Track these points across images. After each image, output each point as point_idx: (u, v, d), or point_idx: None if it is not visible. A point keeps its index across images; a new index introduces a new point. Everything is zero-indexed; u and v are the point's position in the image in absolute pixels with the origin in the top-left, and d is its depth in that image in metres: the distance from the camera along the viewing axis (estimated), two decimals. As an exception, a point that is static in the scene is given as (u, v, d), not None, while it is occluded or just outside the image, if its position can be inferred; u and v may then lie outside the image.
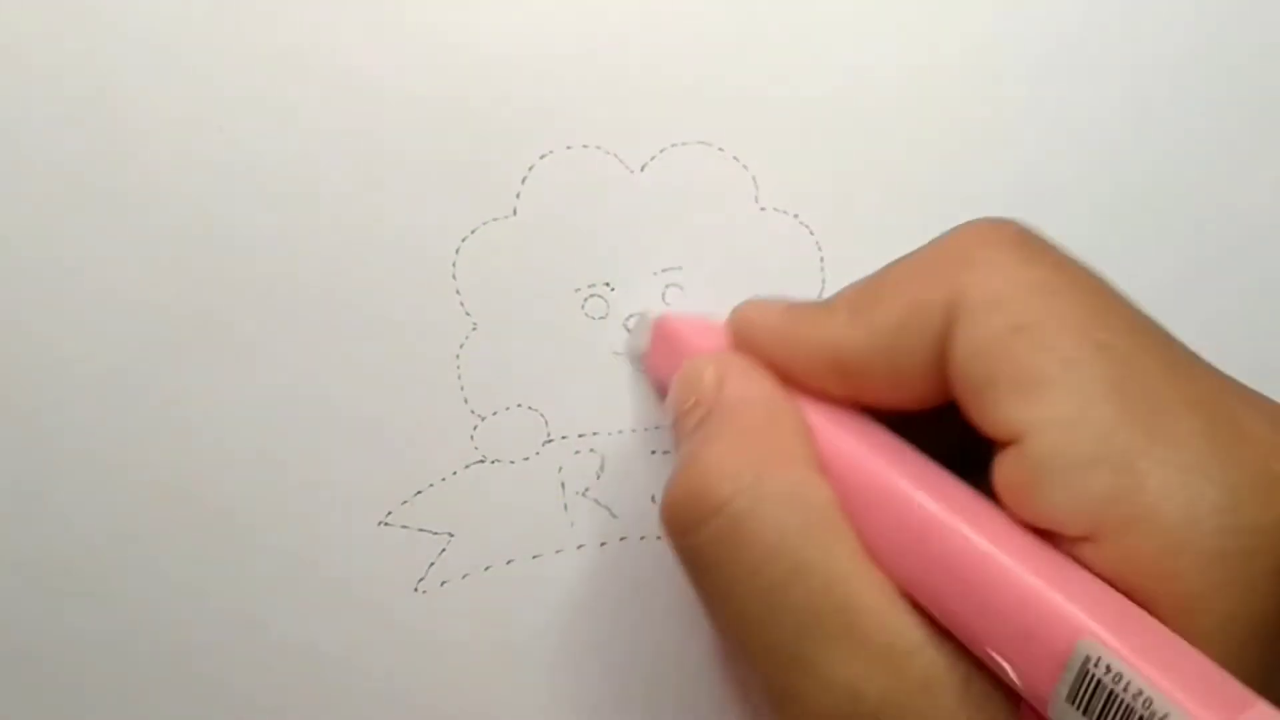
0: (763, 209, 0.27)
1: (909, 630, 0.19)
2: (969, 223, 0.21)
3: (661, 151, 0.27)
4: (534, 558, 0.27)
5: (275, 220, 0.26)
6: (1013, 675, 0.17)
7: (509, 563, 0.27)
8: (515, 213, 0.27)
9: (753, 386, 0.22)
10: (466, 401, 0.27)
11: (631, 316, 0.27)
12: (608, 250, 0.27)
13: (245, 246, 0.26)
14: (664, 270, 0.27)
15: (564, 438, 0.27)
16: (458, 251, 0.27)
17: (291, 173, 0.26)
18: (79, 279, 0.26)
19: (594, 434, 0.27)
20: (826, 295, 0.27)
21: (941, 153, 0.28)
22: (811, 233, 0.27)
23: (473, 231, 0.27)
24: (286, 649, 0.27)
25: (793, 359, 0.22)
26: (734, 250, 0.27)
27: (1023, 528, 0.18)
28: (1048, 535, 0.18)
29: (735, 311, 0.24)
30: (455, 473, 0.27)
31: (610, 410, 0.27)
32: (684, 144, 0.27)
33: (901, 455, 0.20)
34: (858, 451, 0.20)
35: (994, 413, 0.19)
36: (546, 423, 0.27)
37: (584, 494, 0.27)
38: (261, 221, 0.26)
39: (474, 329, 0.27)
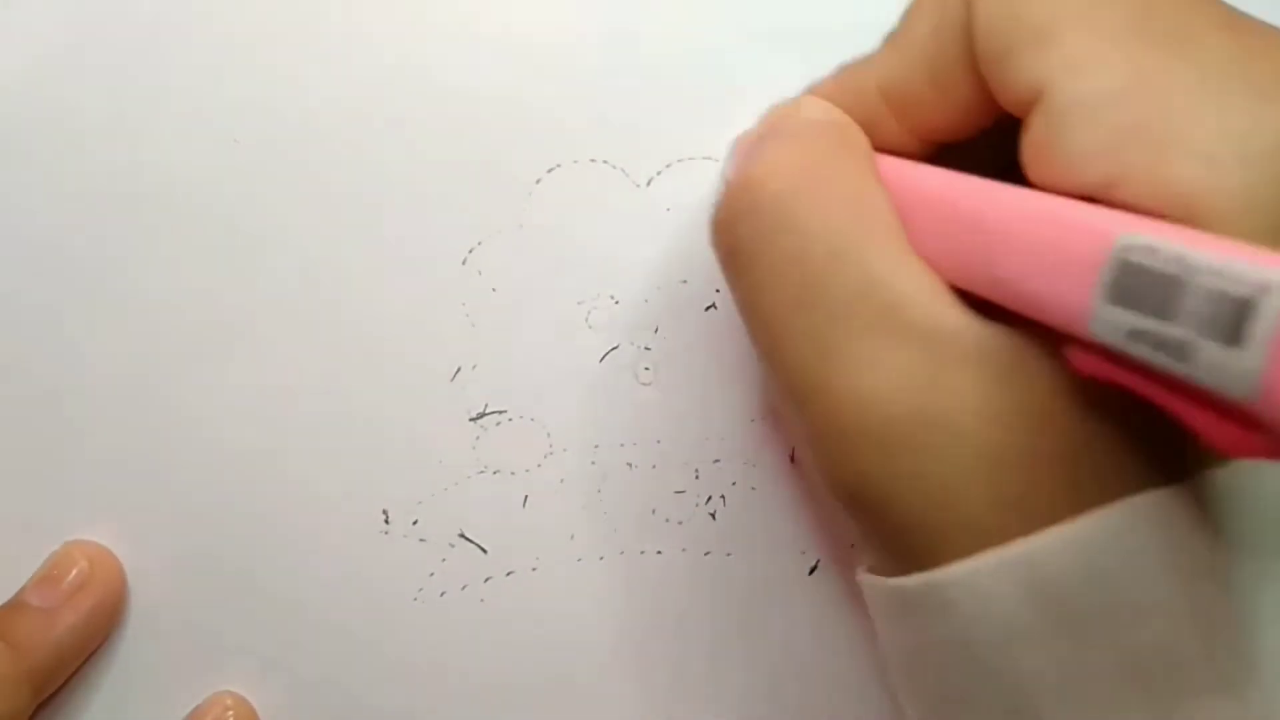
0: (768, 225, 0.27)
1: (952, 316, 0.18)
2: None
3: (667, 166, 0.27)
4: (533, 570, 0.27)
5: (282, 230, 0.27)
6: (1051, 306, 0.17)
7: (508, 574, 0.27)
8: (521, 225, 0.27)
9: (829, 113, 0.22)
10: (469, 413, 0.27)
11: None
12: (612, 264, 0.27)
13: (251, 256, 0.27)
14: (668, 285, 0.27)
15: (565, 450, 0.27)
16: (464, 263, 0.27)
17: (300, 183, 0.27)
18: (88, 282, 0.27)
19: (596, 447, 0.27)
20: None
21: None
22: (816, 249, 0.27)
23: (479, 243, 0.27)
24: (285, 654, 0.27)
25: (852, 108, 0.22)
26: (738, 265, 0.27)
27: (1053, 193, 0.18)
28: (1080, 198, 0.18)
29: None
30: (457, 484, 0.27)
31: (613, 423, 0.27)
32: (689, 159, 0.27)
33: (954, 173, 0.20)
34: (914, 170, 0.20)
35: (1015, 76, 0.18)
36: (549, 435, 0.27)
37: (585, 507, 0.27)
38: (268, 232, 0.27)
39: (479, 340, 0.27)
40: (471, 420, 0.27)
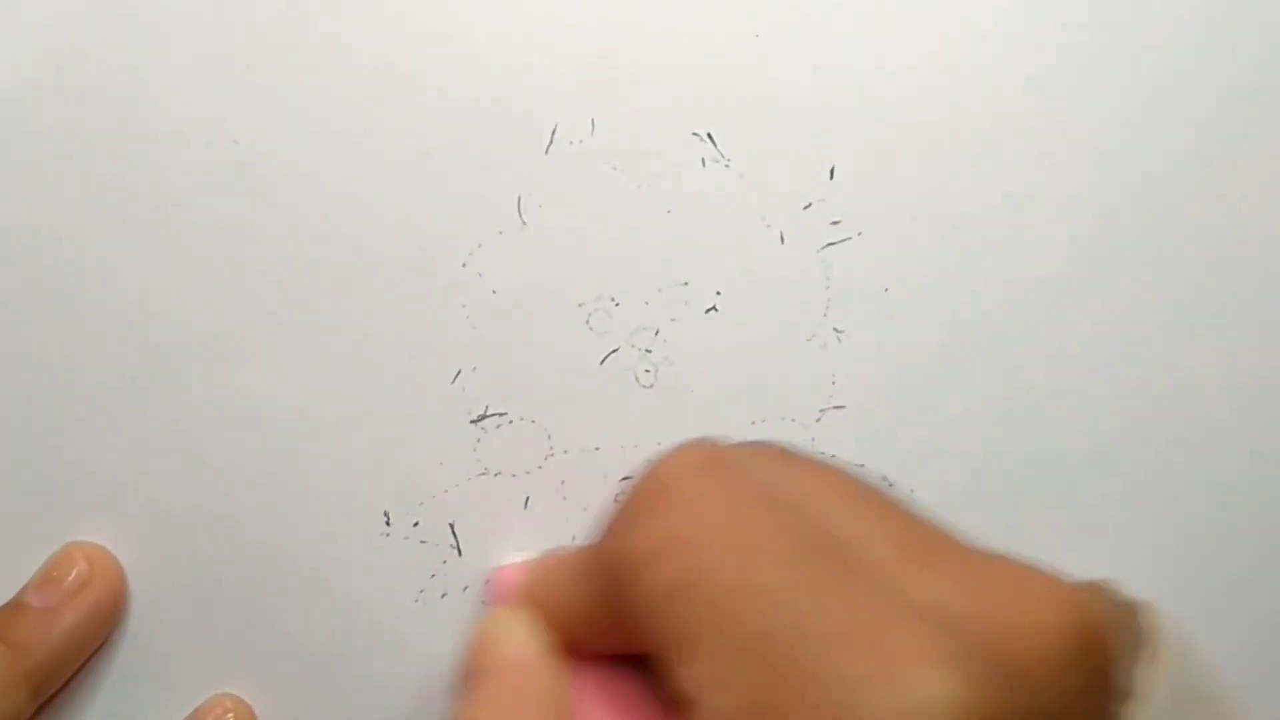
0: (768, 226, 0.27)
1: None
2: (660, 459, 0.20)
3: (670, 168, 0.27)
4: (534, 572, 0.27)
5: (281, 232, 0.27)
6: None
7: (509, 576, 0.27)
8: (522, 226, 0.27)
9: (519, 650, 0.22)
10: (470, 415, 0.27)
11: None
12: (613, 266, 0.27)
13: (251, 258, 0.27)
14: (669, 287, 0.27)
15: (566, 452, 0.27)
16: (464, 265, 0.27)
17: (299, 185, 0.27)
18: (88, 283, 0.27)
19: (596, 448, 0.27)
20: (830, 317, 0.28)
21: (941, 166, 0.28)
22: (818, 251, 0.27)
23: (479, 245, 0.27)
24: (285, 656, 0.27)
25: (550, 619, 0.23)
26: (739, 267, 0.27)
27: None
28: None
29: (531, 567, 0.25)
30: (458, 485, 0.27)
31: (613, 425, 0.27)
32: (692, 160, 0.27)
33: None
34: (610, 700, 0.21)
35: (670, 678, 0.18)
36: (549, 436, 0.27)
37: (586, 508, 0.27)
38: (267, 234, 0.27)
39: (479, 342, 0.27)
40: (472, 422, 0.27)
